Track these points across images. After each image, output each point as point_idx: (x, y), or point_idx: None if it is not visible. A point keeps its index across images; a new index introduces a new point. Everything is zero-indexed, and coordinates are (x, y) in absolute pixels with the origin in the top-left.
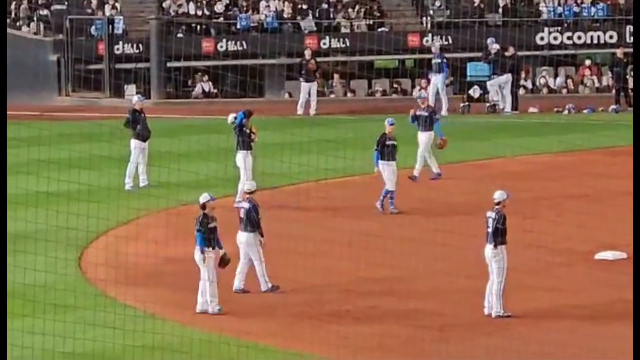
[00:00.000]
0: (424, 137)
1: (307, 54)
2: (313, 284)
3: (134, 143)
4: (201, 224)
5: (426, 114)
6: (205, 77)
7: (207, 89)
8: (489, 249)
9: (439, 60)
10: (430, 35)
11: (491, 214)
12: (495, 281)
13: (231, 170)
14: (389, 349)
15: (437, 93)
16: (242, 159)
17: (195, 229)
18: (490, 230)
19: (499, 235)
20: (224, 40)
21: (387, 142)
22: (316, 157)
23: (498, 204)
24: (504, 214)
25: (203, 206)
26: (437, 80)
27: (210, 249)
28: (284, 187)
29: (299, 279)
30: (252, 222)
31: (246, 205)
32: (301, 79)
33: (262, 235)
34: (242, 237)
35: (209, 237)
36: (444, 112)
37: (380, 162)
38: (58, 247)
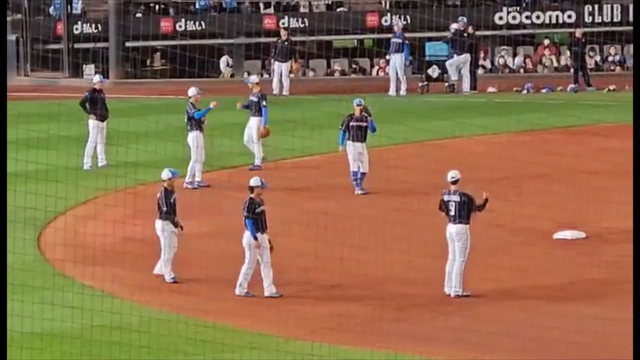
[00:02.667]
0: (253, 123)
1: (283, 34)
2: (272, 263)
3: (92, 123)
4: (248, 209)
5: (256, 99)
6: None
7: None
8: (453, 228)
9: (399, 40)
10: (389, 14)
11: (453, 196)
12: (458, 260)
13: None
14: (348, 328)
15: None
16: (194, 138)
17: (244, 215)
18: (452, 210)
19: (465, 215)
20: (183, 20)
21: (352, 123)
22: (275, 137)
23: (456, 182)
24: (467, 193)
25: (251, 190)
26: (395, 60)
27: (260, 233)
28: (243, 167)
29: None
30: (164, 209)
31: (158, 194)
32: (275, 59)
33: (175, 225)
34: (157, 225)
35: (257, 221)
36: (402, 92)
37: (348, 142)
38: (17, 227)
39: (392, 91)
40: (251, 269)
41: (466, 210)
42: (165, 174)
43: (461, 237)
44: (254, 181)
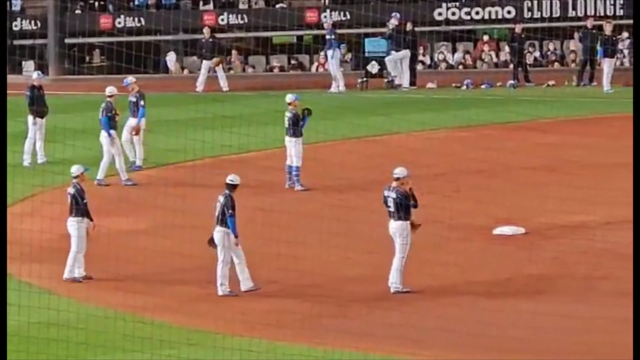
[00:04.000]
0: (132, 123)
1: (206, 31)
2: (209, 259)
3: (31, 119)
4: (233, 207)
5: (134, 99)
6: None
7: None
8: (392, 224)
9: (331, 37)
10: (328, 11)
11: (390, 193)
12: (397, 256)
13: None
14: (287, 325)
15: None
16: (105, 139)
17: (229, 214)
18: (392, 207)
19: (402, 211)
20: (122, 16)
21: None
22: (214, 134)
23: (397, 179)
24: (405, 191)
25: (233, 187)
26: (329, 56)
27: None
28: (181, 164)
29: (197, 254)
30: (72, 207)
31: (71, 190)
32: (201, 57)
33: (91, 220)
34: (68, 222)
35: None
36: (341, 87)
37: (288, 139)
38: None
39: (334, 87)
40: (227, 267)
41: (404, 206)
42: (78, 169)
43: (401, 233)
44: (236, 179)
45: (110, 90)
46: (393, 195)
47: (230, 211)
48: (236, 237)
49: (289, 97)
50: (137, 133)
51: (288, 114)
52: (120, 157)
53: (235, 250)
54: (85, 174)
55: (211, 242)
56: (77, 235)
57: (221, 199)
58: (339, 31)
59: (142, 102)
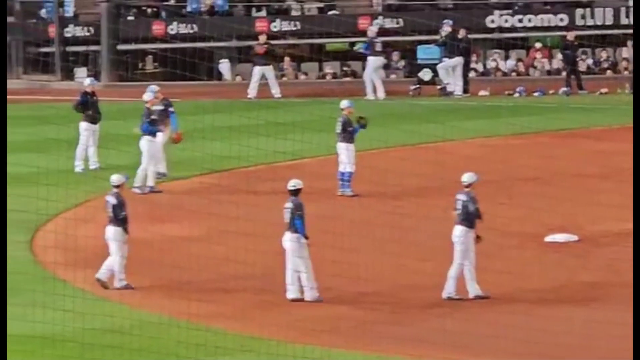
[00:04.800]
0: (165, 133)
1: (262, 38)
2: (265, 266)
3: (84, 125)
4: (301, 209)
5: (162, 107)
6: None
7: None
8: (458, 230)
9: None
10: (381, 18)
11: (461, 196)
12: (456, 263)
13: (179, 153)
14: (341, 331)
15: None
16: (145, 143)
17: (297, 214)
18: (459, 212)
19: (468, 218)
20: (175, 23)
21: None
22: (268, 140)
23: (468, 186)
24: (474, 196)
25: (296, 192)
26: (368, 63)
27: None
28: (235, 170)
29: (251, 261)
30: (116, 217)
31: (113, 200)
32: (254, 63)
33: (126, 232)
34: (107, 231)
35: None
36: (380, 94)
37: (340, 145)
38: (9, 230)
39: (369, 94)
40: (297, 274)
41: (470, 213)
42: (119, 178)
43: (458, 239)
44: (298, 183)
45: (148, 95)
46: (463, 198)
47: (298, 212)
48: (306, 238)
49: (344, 103)
50: (178, 140)
51: (340, 119)
52: (155, 162)
53: (304, 257)
54: (125, 183)
55: None
56: (120, 240)
57: (289, 204)
58: (391, 38)
59: (171, 109)
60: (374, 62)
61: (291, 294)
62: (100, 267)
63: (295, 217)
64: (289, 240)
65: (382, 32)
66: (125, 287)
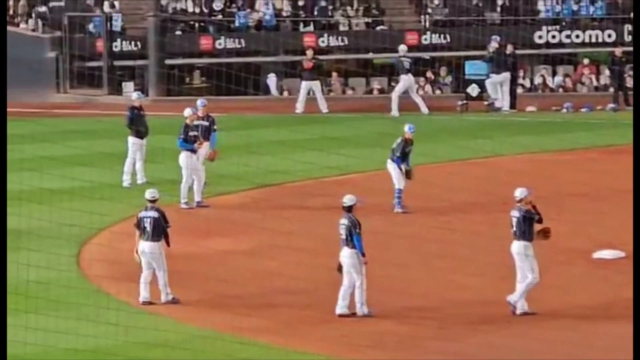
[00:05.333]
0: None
1: (309, 53)
2: (312, 281)
3: (132, 140)
4: (359, 226)
5: (207, 123)
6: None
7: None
8: (513, 245)
9: (408, 61)
10: (428, 33)
11: (514, 212)
12: (522, 278)
13: (227, 167)
14: (388, 346)
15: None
16: (183, 159)
17: (355, 232)
18: (515, 228)
19: (524, 231)
20: (222, 37)
21: (406, 149)
22: (316, 155)
23: (520, 201)
24: (528, 210)
25: (350, 209)
26: (404, 81)
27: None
28: (285, 185)
29: (300, 276)
30: (159, 231)
31: (154, 214)
32: (301, 78)
33: (168, 245)
34: (147, 247)
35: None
36: (423, 109)
37: (390, 163)
38: (58, 244)
39: (394, 111)
40: (350, 288)
41: (525, 227)
42: (155, 193)
43: (518, 255)
44: (352, 199)
45: (187, 111)
46: (517, 214)
47: (356, 230)
48: (363, 255)
49: (406, 127)
50: (212, 159)
51: (398, 140)
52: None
53: (361, 273)
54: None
55: (340, 268)
56: (163, 254)
57: (345, 221)
58: (438, 54)
59: (214, 127)
60: (404, 81)
61: (340, 309)
62: (140, 291)
63: (354, 234)
64: (347, 256)
65: (430, 47)
66: (172, 300)
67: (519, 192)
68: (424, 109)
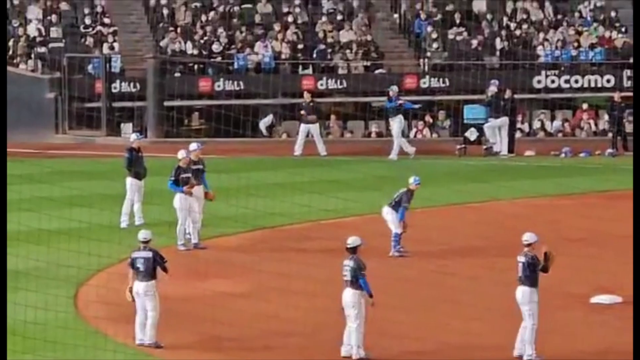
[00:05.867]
0: (199, 193)
1: (306, 95)
2: (310, 324)
3: (130, 181)
4: (364, 268)
5: (202, 166)
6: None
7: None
8: (517, 291)
9: (395, 105)
10: (427, 77)
11: (521, 257)
12: (527, 325)
13: (225, 209)
14: None
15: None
16: (179, 201)
17: (361, 274)
18: (521, 273)
19: (529, 277)
20: (221, 79)
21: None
22: (315, 198)
23: (527, 246)
24: (534, 256)
25: (354, 250)
26: (394, 123)
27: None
28: (283, 227)
29: (297, 318)
30: (152, 270)
31: (147, 254)
32: (300, 120)
33: (166, 271)
34: (141, 288)
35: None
36: (393, 155)
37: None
38: (55, 285)
39: (393, 154)
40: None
41: (529, 272)
42: (147, 233)
43: (522, 300)
44: (356, 240)
45: (181, 153)
46: (523, 259)
47: (362, 272)
48: (371, 296)
49: (410, 179)
50: (212, 199)
51: (402, 190)
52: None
53: (363, 314)
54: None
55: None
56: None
57: (350, 262)
58: (437, 97)
59: (204, 169)
60: (399, 122)
61: (346, 352)
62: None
63: (360, 276)
64: (349, 296)
65: (429, 90)
66: (155, 344)
67: (527, 237)
68: (394, 155)
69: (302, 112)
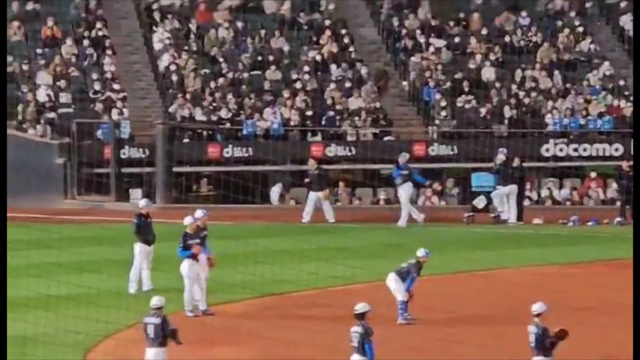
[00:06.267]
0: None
1: (311, 163)
2: None
3: (139, 247)
4: (370, 334)
5: (206, 232)
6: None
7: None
8: None
9: (406, 172)
10: (435, 144)
11: (532, 328)
12: None
13: (233, 275)
14: None
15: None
16: (186, 268)
17: (367, 340)
18: (533, 343)
19: (541, 348)
20: (230, 146)
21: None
22: (322, 265)
23: (537, 315)
24: (545, 327)
25: (362, 316)
26: (402, 190)
27: None
28: (290, 294)
29: None
30: (161, 337)
31: (156, 320)
32: (308, 188)
33: (179, 342)
34: (151, 354)
35: None
36: (401, 222)
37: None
38: (63, 351)
39: (402, 221)
40: None
41: (540, 342)
42: (160, 300)
43: None
44: (364, 307)
45: (188, 219)
46: (534, 330)
47: (369, 337)
48: None
49: (420, 251)
50: (213, 265)
51: (411, 261)
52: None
53: None
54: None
55: None
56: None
57: (357, 329)
58: (445, 165)
59: (205, 232)
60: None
61: None
62: None
63: (366, 342)
64: None
65: (437, 158)
66: None
67: (536, 307)
68: (403, 222)
69: (307, 180)
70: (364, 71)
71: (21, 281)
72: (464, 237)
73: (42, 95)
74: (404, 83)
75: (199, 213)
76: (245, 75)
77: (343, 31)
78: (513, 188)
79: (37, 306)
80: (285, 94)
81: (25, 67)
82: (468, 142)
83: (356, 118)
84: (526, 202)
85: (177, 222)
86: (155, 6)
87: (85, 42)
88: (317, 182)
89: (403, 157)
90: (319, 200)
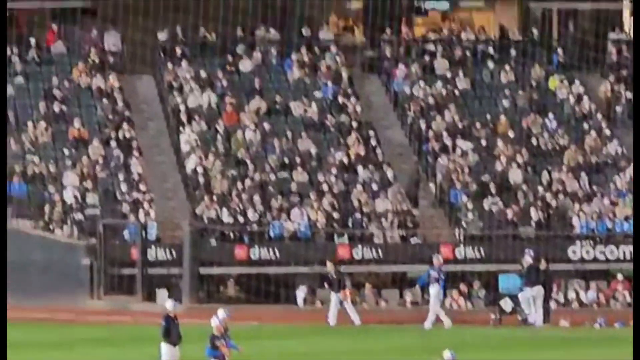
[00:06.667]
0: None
1: (329, 265)
2: None
3: (165, 347)
4: None
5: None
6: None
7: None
8: None
9: (436, 274)
10: (462, 246)
11: None
12: None
13: None
14: None
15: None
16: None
17: None
18: None
19: None
20: (257, 247)
21: None
22: None
23: None
24: None
25: None
26: (434, 292)
27: None
28: None
29: None
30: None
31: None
32: (331, 290)
33: None
34: None
35: None
36: (428, 323)
37: None
38: None
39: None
40: None
41: None
42: None
43: None
44: None
45: (214, 321)
46: None
47: None
48: None
49: (447, 354)
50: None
51: None
52: None
53: None
54: None
55: None
56: None
57: None
58: (472, 268)
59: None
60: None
61: None
62: None
63: None
64: None
65: (463, 260)
66: None
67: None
68: (429, 323)
69: (326, 282)
70: (389, 174)
71: None
72: (490, 340)
73: (69, 196)
74: (431, 185)
75: (221, 313)
76: (272, 177)
77: (370, 133)
78: (539, 290)
79: None
80: (312, 195)
81: (52, 169)
82: (495, 245)
83: (383, 219)
84: (552, 304)
85: (203, 322)
86: (182, 108)
87: (113, 143)
88: (337, 284)
89: (438, 259)
90: (341, 302)
